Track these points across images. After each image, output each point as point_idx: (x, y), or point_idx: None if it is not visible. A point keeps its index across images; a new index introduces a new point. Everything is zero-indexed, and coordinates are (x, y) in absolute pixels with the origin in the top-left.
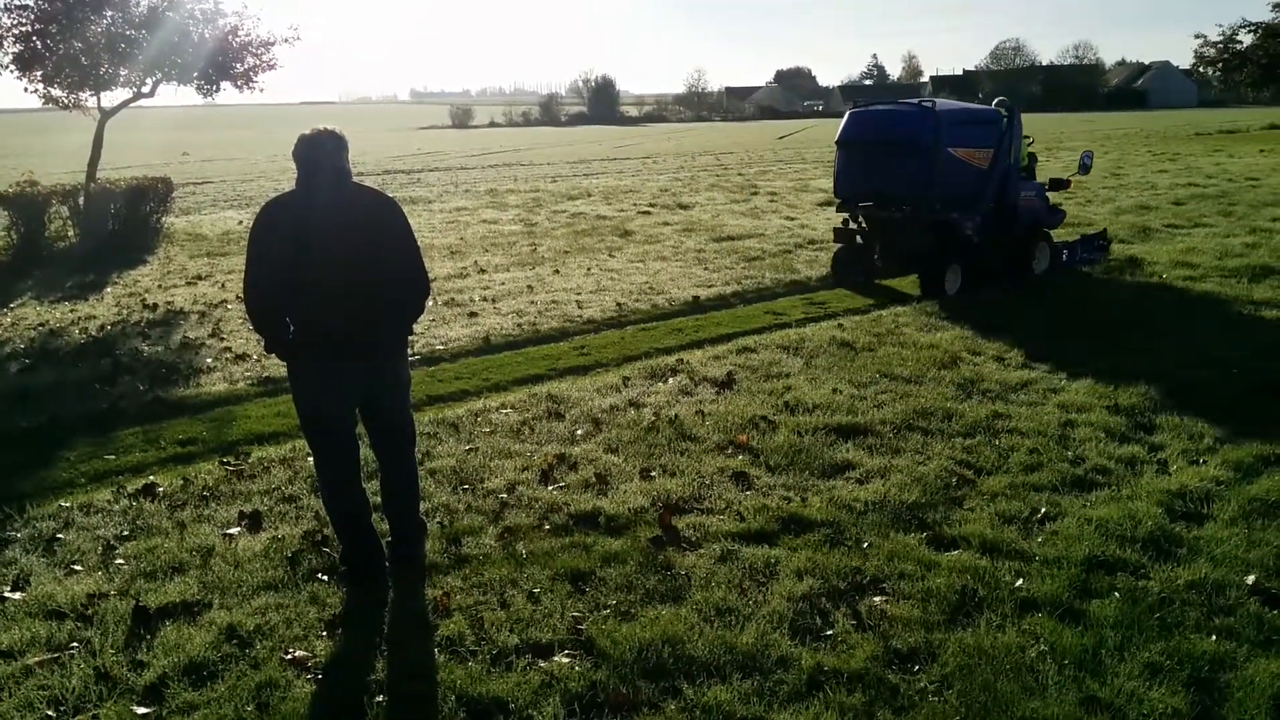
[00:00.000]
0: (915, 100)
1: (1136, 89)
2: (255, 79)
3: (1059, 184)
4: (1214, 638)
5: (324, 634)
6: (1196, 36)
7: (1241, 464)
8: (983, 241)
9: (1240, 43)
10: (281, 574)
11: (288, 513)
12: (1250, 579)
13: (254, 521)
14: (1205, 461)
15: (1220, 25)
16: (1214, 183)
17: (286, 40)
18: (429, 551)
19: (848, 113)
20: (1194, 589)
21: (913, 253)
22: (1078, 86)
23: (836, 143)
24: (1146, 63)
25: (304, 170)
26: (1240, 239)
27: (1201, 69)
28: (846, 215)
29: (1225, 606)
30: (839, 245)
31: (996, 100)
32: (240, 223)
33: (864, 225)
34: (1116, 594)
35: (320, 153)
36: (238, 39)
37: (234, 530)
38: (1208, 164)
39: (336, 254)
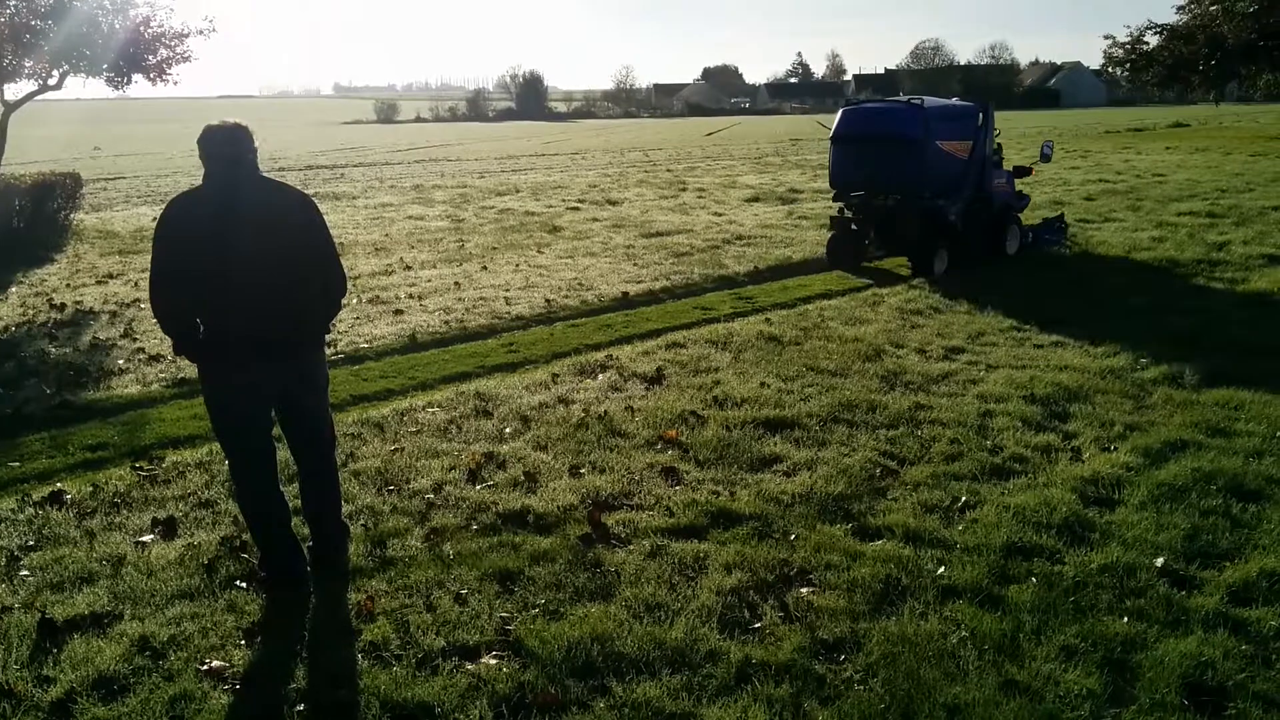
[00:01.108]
0: (904, 98)
1: (1050, 88)
2: (169, 71)
3: (1022, 171)
4: (1126, 619)
5: (242, 643)
6: (1105, 38)
7: (1150, 450)
8: (964, 225)
9: (1147, 44)
10: (197, 582)
11: (204, 518)
12: (1159, 561)
13: (168, 528)
14: (1116, 448)
15: (1128, 27)
16: (1123, 179)
17: (202, 32)
18: (352, 555)
19: (841, 111)
20: (1106, 572)
21: (903, 237)
22: (994, 86)
23: (831, 138)
24: (1059, 63)
25: (219, 165)
26: (1148, 233)
27: (1110, 69)
28: (841, 204)
29: (1136, 589)
30: (834, 232)
31: (975, 101)
32: (153, 219)
33: (857, 213)
34: (1033, 579)
35: (240, 148)
36: (150, 30)
37: (147, 538)
38: (1117, 161)
39: (255, 252)
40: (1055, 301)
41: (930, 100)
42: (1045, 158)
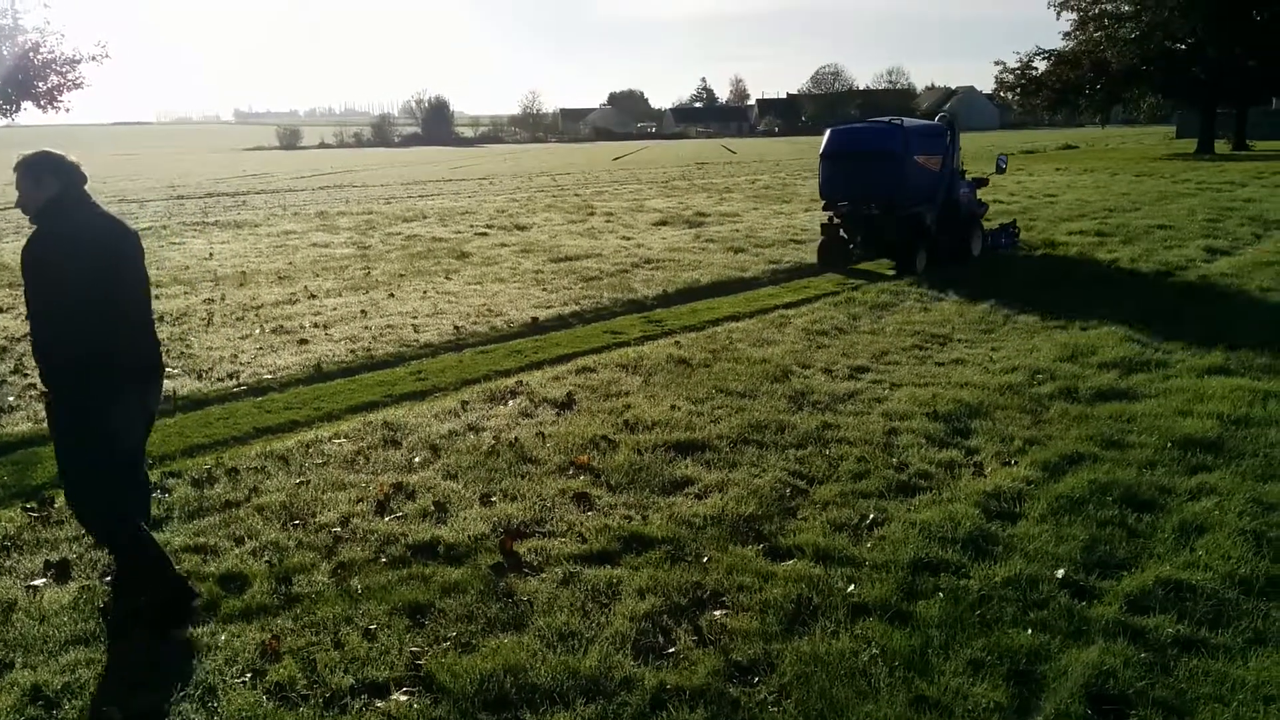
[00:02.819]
0: (885, 119)
1: (946, 113)
2: (60, 98)
3: (980, 182)
4: (1030, 631)
5: (142, 688)
6: (996, 63)
7: (1048, 464)
8: (938, 229)
9: (1036, 69)
10: (93, 626)
11: (99, 559)
12: (1060, 573)
13: (61, 571)
14: (1016, 462)
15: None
16: (1016, 200)
17: (95, 58)
18: (257, 592)
19: (829, 131)
20: (1010, 585)
21: (888, 241)
22: (892, 110)
23: (821, 155)
24: (953, 87)
25: (78, 193)
26: (1040, 252)
27: (1002, 93)
28: (830, 213)
29: (1039, 600)
30: (824, 237)
31: (939, 115)
32: None
33: (844, 221)
34: (941, 594)
35: (81, 177)
36: (40, 56)
37: (39, 582)
38: (1010, 182)
39: (138, 278)
40: (953, 322)
41: (908, 120)
42: (1000, 169)
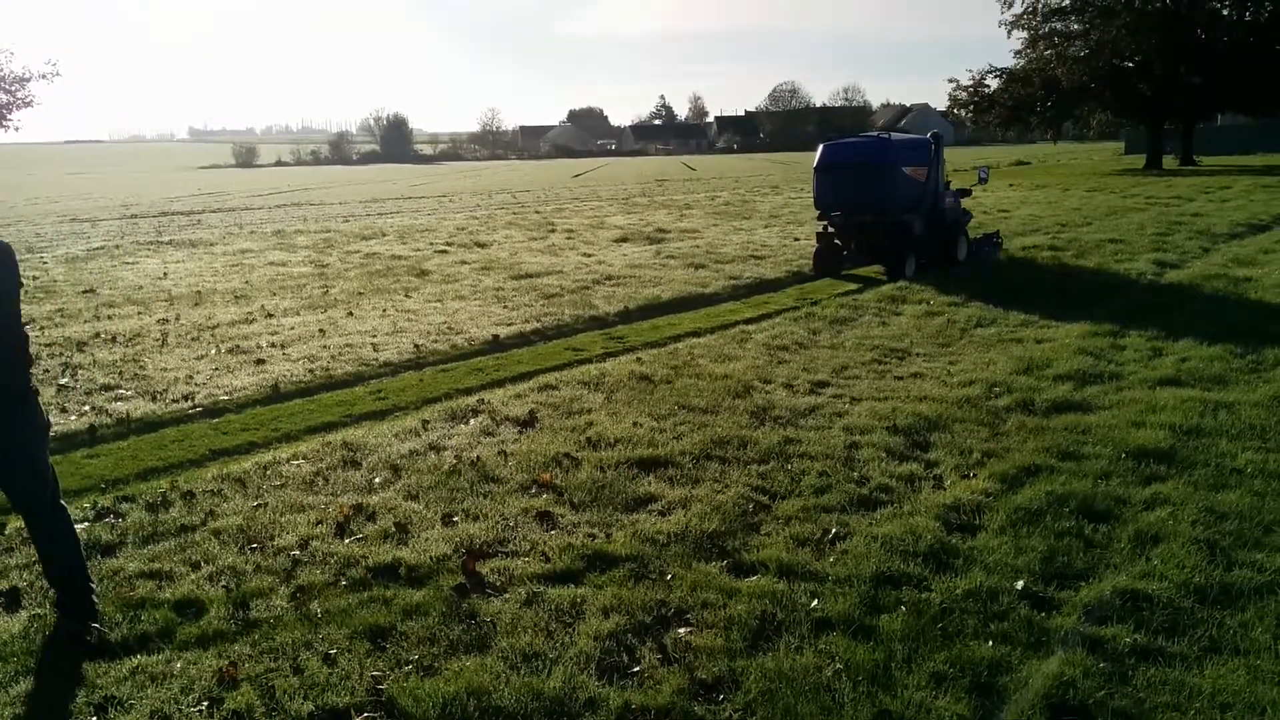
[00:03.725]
0: (875, 133)
1: (901, 129)
2: (9, 117)
3: (964, 193)
4: (991, 643)
5: (94, 718)
6: (949, 81)
7: (1006, 476)
8: (926, 236)
9: (988, 86)
10: (45, 656)
11: (51, 587)
12: (1020, 584)
13: (12, 599)
14: (975, 475)
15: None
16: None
17: (44, 76)
18: (214, 618)
19: (822, 145)
20: (971, 597)
21: (878, 247)
22: (849, 127)
23: (815, 169)
24: (908, 105)
25: None
26: (1003, 259)
27: (956, 110)
28: (825, 223)
29: (999, 612)
30: (819, 245)
31: (930, 133)
32: None
33: (838, 229)
34: (903, 607)
35: None
36: None
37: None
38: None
39: (13, 298)
40: (911, 336)
41: (896, 134)
42: (982, 180)
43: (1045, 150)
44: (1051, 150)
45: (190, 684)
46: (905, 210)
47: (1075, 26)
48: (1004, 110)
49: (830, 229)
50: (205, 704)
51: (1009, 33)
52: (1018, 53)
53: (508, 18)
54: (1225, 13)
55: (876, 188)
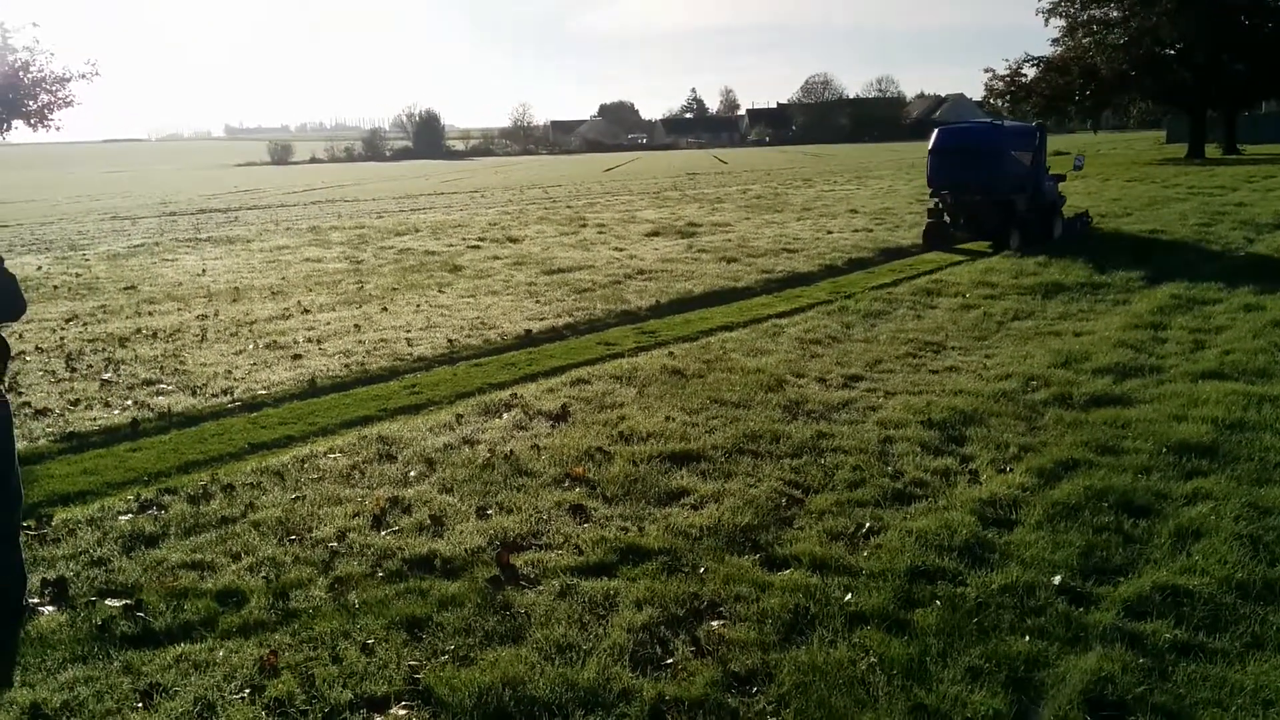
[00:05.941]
0: (986, 120)
1: (937, 120)
2: (51, 116)
3: (1058, 178)
4: (1027, 638)
5: (140, 705)
6: (985, 70)
7: (1044, 470)
8: (1028, 215)
9: (1025, 76)
10: (92, 644)
11: (97, 577)
12: (1057, 579)
13: (59, 589)
14: (1012, 469)
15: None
16: None
17: (84, 76)
18: (254, 607)
19: (937, 130)
20: (1007, 592)
21: (985, 224)
22: (883, 118)
23: (930, 151)
24: (943, 95)
25: None
26: (1034, 259)
27: (992, 100)
28: (937, 200)
29: (1036, 607)
30: (930, 220)
31: (1036, 123)
32: (40, 268)
33: (948, 206)
34: (938, 602)
35: None
36: (29, 75)
37: (35, 600)
38: None
39: None
40: (946, 329)
41: (1006, 122)
42: (1077, 168)
43: (1084, 140)
44: (1090, 139)
45: (232, 672)
46: (1011, 190)
47: (1114, 13)
48: (1041, 99)
49: (940, 206)
50: (247, 691)
51: (1046, 20)
52: (1055, 41)
53: (538, 12)
54: None
55: (986, 169)
